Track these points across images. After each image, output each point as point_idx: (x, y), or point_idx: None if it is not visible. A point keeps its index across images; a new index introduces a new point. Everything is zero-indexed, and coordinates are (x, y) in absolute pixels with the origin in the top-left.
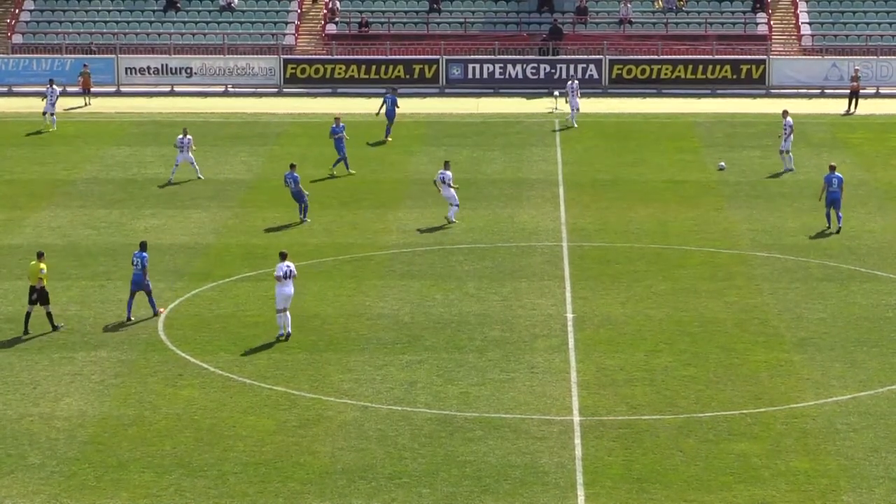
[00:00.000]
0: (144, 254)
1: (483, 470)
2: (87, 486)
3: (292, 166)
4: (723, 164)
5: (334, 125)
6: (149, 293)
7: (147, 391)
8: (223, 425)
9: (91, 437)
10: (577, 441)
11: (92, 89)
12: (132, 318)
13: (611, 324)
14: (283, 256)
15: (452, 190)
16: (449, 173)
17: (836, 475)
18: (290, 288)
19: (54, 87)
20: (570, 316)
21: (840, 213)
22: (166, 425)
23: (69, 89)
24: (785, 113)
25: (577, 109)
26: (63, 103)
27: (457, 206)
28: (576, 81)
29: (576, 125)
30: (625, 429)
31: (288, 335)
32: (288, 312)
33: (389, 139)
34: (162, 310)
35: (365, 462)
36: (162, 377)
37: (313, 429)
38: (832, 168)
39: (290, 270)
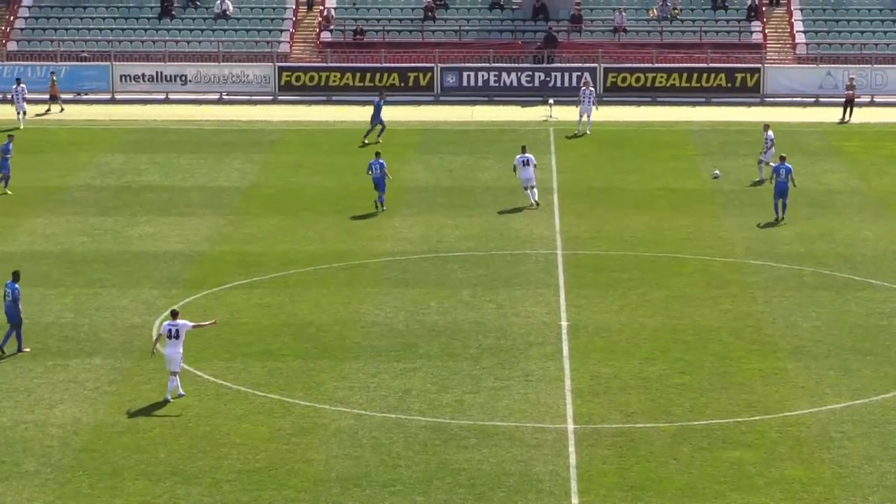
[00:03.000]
0: (16, 285)
1: (477, 478)
2: (82, 493)
3: (377, 154)
4: (717, 172)
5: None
6: (18, 326)
7: (141, 399)
8: (217, 433)
9: (85, 444)
10: (572, 449)
11: (60, 96)
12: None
13: (605, 332)
14: (173, 314)
15: (533, 171)
16: (530, 156)
17: (831, 483)
18: (177, 349)
19: (21, 86)
20: (564, 324)
21: (786, 203)
22: (160, 433)
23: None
24: (766, 127)
25: (589, 116)
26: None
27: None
28: (591, 88)
29: (587, 132)
30: (619, 437)
31: (170, 399)
32: (177, 377)
33: (366, 141)
34: (27, 349)
35: (359, 470)
36: (156, 385)
37: (308, 436)
38: (782, 159)
39: (178, 330)
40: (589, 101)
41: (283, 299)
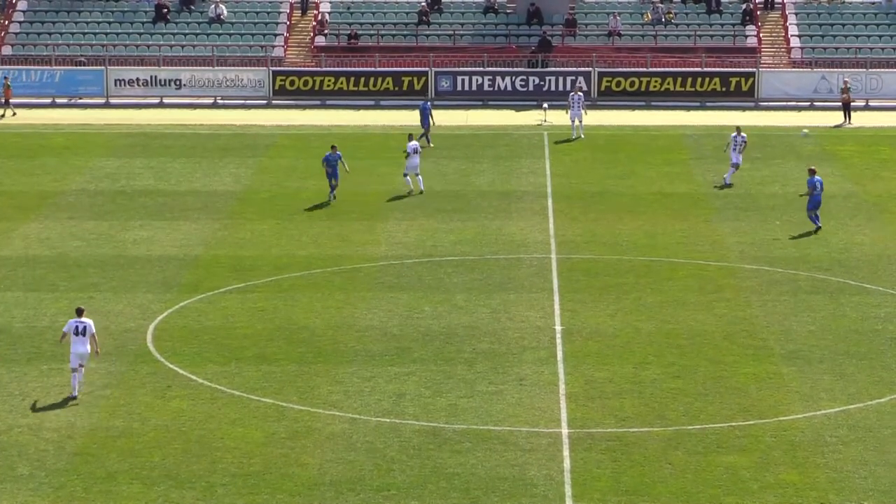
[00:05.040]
0: None
1: (471, 482)
2: (76, 497)
3: (333, 147)
4: (806, 131)
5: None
6: None
7: (135, 403)
8: (211, 437)
9: (80, 448)
10: (566, 453)
11: (11, 100)
12: None
13: (599, 336)
14: (78, 312)
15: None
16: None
17: (825, 488)
18: (84, 346)
19: None
20: (558, 328)
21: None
22: (155, 437)
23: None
24: (738, 129)
25: (580, 121)
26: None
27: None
28: (580, 93)
29: (581, 136)
30: (613, 441)
31: (76, 396)
32: (80, 372)
33: (431, 145)
34: None
35: (353, 474)
36: (150, 389)
37: (302, 440)
38: (813, 172)
39: (85, 327)
40: (578, 106)
41: (278, 303)
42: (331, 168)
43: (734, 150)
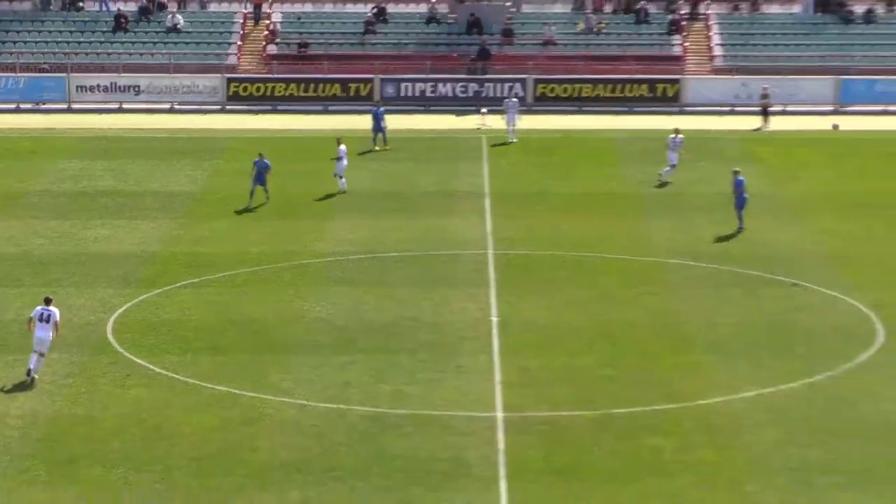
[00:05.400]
0: None
1: (412, 464)
2: (40, 480)
3: (261, 154)
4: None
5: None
6: None
7: (96, 391)
8: (168, 423)
9: (43, 435)
10: (501, 436)
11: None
12: None
13: (533, 327)
14: (46, 301)
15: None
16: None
17: (741, 467)
18: (45, 332)
19: None
20: (494, 320)
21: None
22: (115, 423)
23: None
24: (676, 130)
25: (514, 126)
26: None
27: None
28: (515, 100)
29: (514, 141)
30: (546, 425)
31: (32, 378)
32: (41, 357)
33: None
34: None
35: (302, 457)
36: (110, 378)
37: (254, 426)
38: (736, 173)
39: (49, 314)
40: (513, 111)
41: (231, 297)
42: (257, 172)
43: (671, 149)
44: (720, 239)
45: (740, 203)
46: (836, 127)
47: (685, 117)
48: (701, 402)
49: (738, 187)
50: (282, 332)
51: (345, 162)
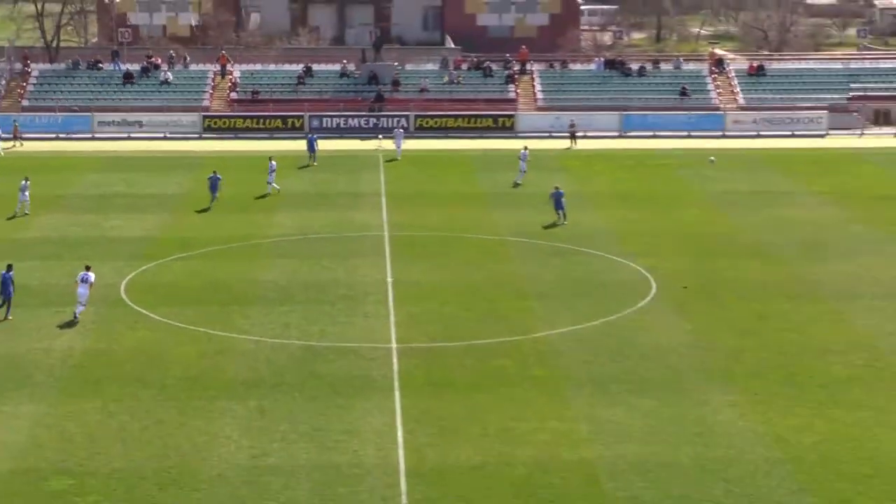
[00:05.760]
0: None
1: (335, 380)
2: (74, 394)
3: (215, 171)
4: (712, 158)
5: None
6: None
7: (114, 332)
8: (164, 354)
9: (77, 362)
10: (395, 360)
11: (20, 136)
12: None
13: (417, 285)
14: (87, 268)
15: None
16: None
17: (561, 380)
18: (84, 289)
19: None
20: (390, 280)
21: (565, 212)
22: (126, 355)
23: (44, 136)
24: (525, 147)
25: (399, 148)
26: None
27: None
28: (401, 130)
29: (399, 158)
30: (426, 352)
31: (77, 320)
32: (82, 307)
33: (315, 163)
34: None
35: (258, 376)
36: (124, 323)
37: (224, 356)
38: (557, 188)
39: (86, 276)
40: (399, 138)
41: (208, 266)
42: (211, 184)
43: (522, 160)
44: (545, 225)
45: (559, 206)
46: (712, 161)
47: (518, 140)
48: (533, 335)
49: (557, 197)
50: (242, 290)
51: (274, 174)
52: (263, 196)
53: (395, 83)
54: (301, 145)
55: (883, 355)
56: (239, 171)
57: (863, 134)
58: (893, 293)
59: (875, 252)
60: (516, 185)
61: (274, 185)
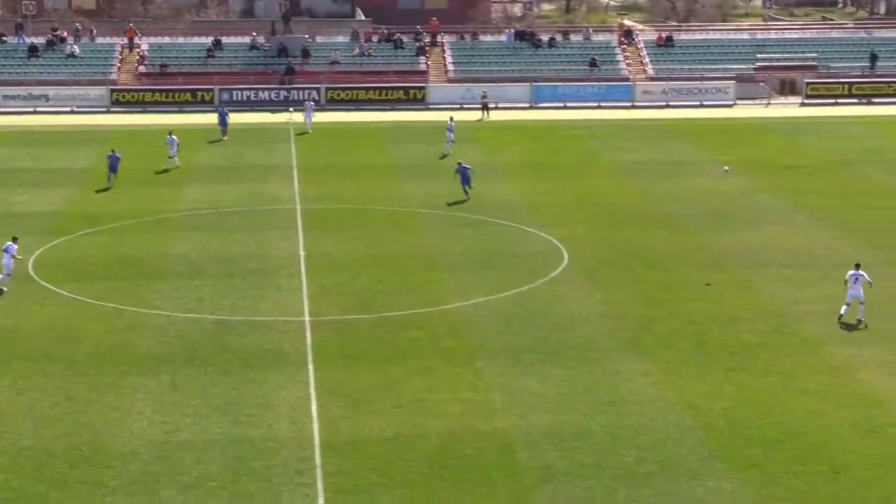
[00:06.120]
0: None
1: (248, 354)
2: None
3: (113, 150)
4: (727, 168)
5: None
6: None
7: (22, 308)
8: (73, 330)
9: None
10: (308, 333)
11: None
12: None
13: (329, 257)
14: (13, 239)
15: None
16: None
17: (473, 350)
18: (9, 260)
19: None
20: (302, 253)
21: (470, 186)
22: (35, 331)
23: None
24: (451, 118)
25: (310, 120)
26: None
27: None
28: (311, 102)
29: (310, 131)
30: (339, 325)
31: (4, 289)
32: (6, 277)
33: (226, 139)
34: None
35: (169, 351)
36: (32, 300)
37: (134, 331)
38: (460, 164)
39: (8, 248)
40: (309, 111)
41: (116, 241)
42: (111, 162)
43: (449, 131)
44: (453, 195)
45: (465, 181)
46: (727, 170)
47: (429, 112)
48: (444, 307)
49: (463, 172)
50: (152, 264)
51: (176, 147)
52: (164, 171)
53: (305, 54)
54: (211, 119)
55: (790, 322)
56: (148, 145)
57: (769, 104)
58: (800, 261)
59: (781, 221)
60: (444, 156)
61: (175, 159)
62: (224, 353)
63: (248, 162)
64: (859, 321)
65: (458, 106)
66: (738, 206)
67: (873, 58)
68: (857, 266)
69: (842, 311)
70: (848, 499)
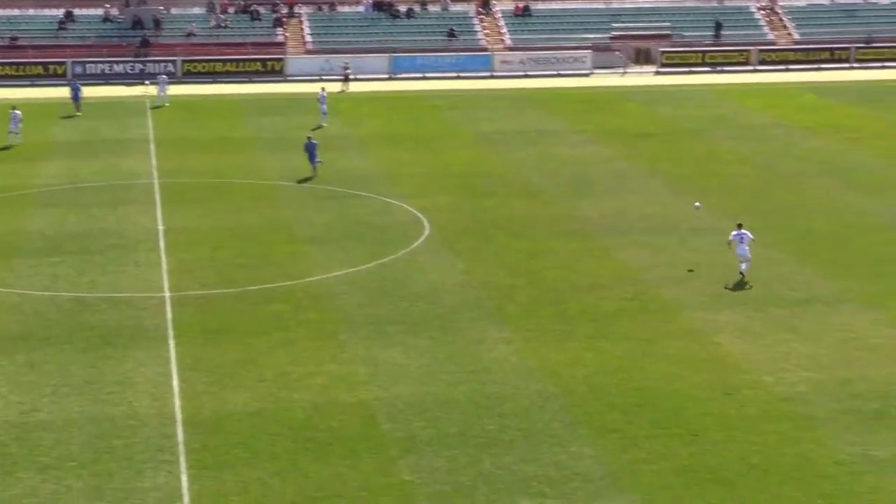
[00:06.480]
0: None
1: (106, 331)
2: None
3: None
4: (697, 204)
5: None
6: None
7: None
8: None
9: None
10: (168, 309)
11: None
12: None
13: (187, 232)
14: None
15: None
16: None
17: (337, 323)
18: None
19: None
20: (161, 228)
21: (316, 163)
22: None
23: None
24: (323, 88)
25: (165, 93)
26: None
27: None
28: (164, 76)
29: (167, 105)
30: (200, 299)
31: None
32: None
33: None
34: None
35: (26, 330)
36: None
37: None
38: (309, 139)
39: None
40: (163, 84)
41: None
42: None
43: (321, 103)
44: (310, 166)
45: (312, 158)
46: (697, 207)
47: (287, 84)
48: (306, 279)
49: (310, 148)
50: (6, 241)
51: (20, 124)
52: (7, 148)
53: (158, 25)
54: (64, 92)
55: (648, 288)
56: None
57: (625, 73)
58: (657, 228)
59: (638, 188)
60: (321, 126)
61: (18, 136)
62: (82, 331)
63: (104, 136)
64: (742, 276)
65: (318, 77)
66: (597, 174)
67: (718, 26)
68: (740, 226)
69: (742, 271)
70: (705, 460)
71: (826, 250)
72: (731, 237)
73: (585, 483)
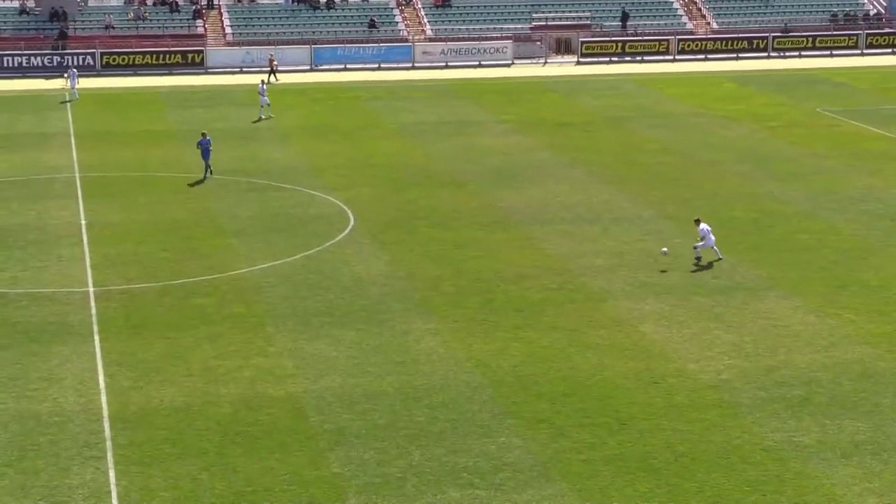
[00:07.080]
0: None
1: (29, 327)
2: None
3: None
4: (665, 249)
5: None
6: None
7: None
8: None
9: None
10: (93, 304)
11: None
12: None
13: (111, 225)
14: None
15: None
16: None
17: (263, 316)
18: None
19: None
20: (83, 222)
21: (209, 163)
22: None
23: None
24: (262, 81)
25: (75, 87)
26: None
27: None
28: (74, 69)
29: (77, 98)
30: (123, 294)
31: None
32: None
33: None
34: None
35: None
36: None
37: None
38: (204, 134)
39: None
40: (73, 77)
41: None
42: None
43: (262, 95)
44: (236, 159)
45: (206, 155)
46: (664, 252)
47: (208, 76)
48: (232, 273)
49: (204, 146)
50: None
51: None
52: None
53: (74, 17)
54: None
55: (574, 277)
56: None
57: (546, 63)
58: (580, 216)
59: (561, 178)
60: (269, 117)
61: None
62: (5, 327)
63: (23, 130)
64: (720, 258)
65: (238, 70)
66: (520, 164)
67: (625, 16)
68: (698, 221)
69: (720, 257)
70: (634, 449)
71: (747, 238)
72: (700, 230)
73: (515, 473)
